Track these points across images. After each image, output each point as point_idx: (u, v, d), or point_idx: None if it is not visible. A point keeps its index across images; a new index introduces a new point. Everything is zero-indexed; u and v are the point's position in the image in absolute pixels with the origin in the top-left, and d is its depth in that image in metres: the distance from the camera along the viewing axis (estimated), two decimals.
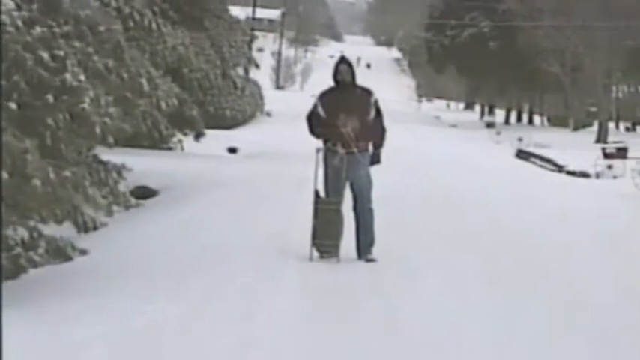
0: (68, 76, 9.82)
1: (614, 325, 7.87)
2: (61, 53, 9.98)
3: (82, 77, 10.09)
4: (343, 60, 10.39)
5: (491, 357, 6.62)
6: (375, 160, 10.35)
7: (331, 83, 10.33)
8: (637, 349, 7.19)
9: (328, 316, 7.57)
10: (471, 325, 7.51)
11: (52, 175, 8.93)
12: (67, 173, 9.63)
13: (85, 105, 9.90)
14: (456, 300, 8.42)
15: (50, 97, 9.65)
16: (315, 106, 10.29)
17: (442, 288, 8.93)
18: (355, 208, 10.34)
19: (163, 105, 16.04)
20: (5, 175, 8.09)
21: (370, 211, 10.34)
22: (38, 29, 9.93)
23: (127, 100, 12.83)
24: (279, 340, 6.72)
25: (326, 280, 9.04)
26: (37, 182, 8.58)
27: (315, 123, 10.27)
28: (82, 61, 10.80)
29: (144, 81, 13.21)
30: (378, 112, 10.28)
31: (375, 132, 10.27)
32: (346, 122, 10.05)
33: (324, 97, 10.32)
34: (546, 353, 6.80)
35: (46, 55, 9.70)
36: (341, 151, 10.07)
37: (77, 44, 10.93)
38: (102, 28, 11.79)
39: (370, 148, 10.29)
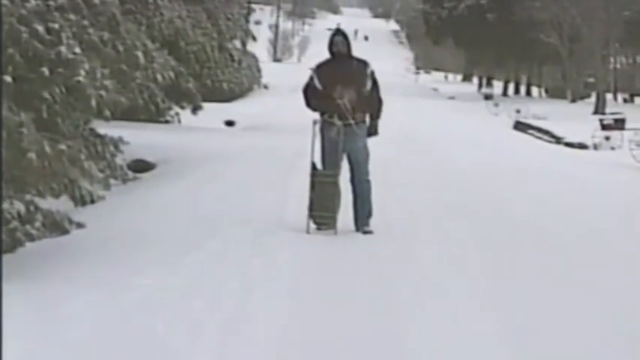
0: (63, 49, 9.78)
1: (617, 287, 7.91)
2: (56, 26, 9.94)
3: (78, 50, 10.06)
4: (338, 31, 10.34)
5: (489, 326, 6.61)
6: (373, 131, 10.32)
7: (328, 55, 10.30)
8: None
9: (323, 290, 7.55)
10: (468, 294, 7.51)
11: (47, 149, 8.91)
12: (63, 146, 9.60)
13: (81, 78, 9.87)
14: (452, 270, 8.41)
15: (45, 70, 9.63)
16: (311, 79, 10.27)
17: (438, 258, 8.92)
18: (352, 180, 10.32)
19: (159, 78, 15.99)
20: None
21: (367, 182, 10.32)
22: (33, 2, 9.89)
23: (122, 73, 12.79)
24: (273, 315, 6.70)
25: (322, 253, 9.03)
26: (32, 155, 8.55)
27: (311, 95, 10.23)
28: (77, 33, 10.75)
29: (139, 54, 13.16)
30: (374, 83, 10.25)
31: (371, 103, 10.24)
32: (342, 94, 10.02)
33: (320, 69, 10.29)
34: (543, 319, 6.80)
35: (41, 28, 9.67)
36: (338, 122, 10.04)
37: (72, 17, 10.88)
38: (97, 1, 11.74)
39: (367, 119, 10.27)
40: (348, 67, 10.17)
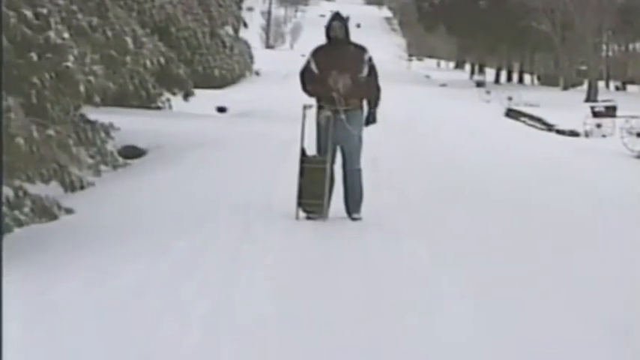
0: (52, 34, 9.75)
1: (605, 276, 7.90)
2: (45, 11, 9.91)
3: (66, 35, 10.02)
4: (336, 16, 10.25)
5: (473, 316, 6.60)
6: (371, 119, 10.24)
7: (322, 41, 10.24)
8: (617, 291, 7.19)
9: (311, 277, 7.53)
10: (452, 280, 7.50)
11: (35, 134, 8.88)
12: (51, 132, 9.57)
13: (69, 63, 9.84)
14: (439, 256, 8.40)
15: (34, 55, 9.59)
16: (308, 62, 10.20)
17: (426, 245, 8.89)
18: (343, 168, 10.26)
19: (148, 63, 15.96)
20: None
21: (358, 171, 10.24)
22: None
23: (112, 59, 12.76)
24: (260, 302, 6.68)
25: (311, 239, 9.01)
26: (20, 140, 8.52)
27: (308, 79, 10.15)
28: (65, 18, 10.73)
29: (128, 39, 13.13)
30: (372, 70, 10.15)
31: (367, 90, 10.14)
32: (337, 79, 9.95)
33: (317, 53, 10.22)
34: (529, 308, 6.79)
35: (29, 13, 9.63)
36: (327, 111, 9.99)
37: (61, 2, 10.85)
38: None
39: (364, 107, 10.19)
40: (345, 52, 10.09)
